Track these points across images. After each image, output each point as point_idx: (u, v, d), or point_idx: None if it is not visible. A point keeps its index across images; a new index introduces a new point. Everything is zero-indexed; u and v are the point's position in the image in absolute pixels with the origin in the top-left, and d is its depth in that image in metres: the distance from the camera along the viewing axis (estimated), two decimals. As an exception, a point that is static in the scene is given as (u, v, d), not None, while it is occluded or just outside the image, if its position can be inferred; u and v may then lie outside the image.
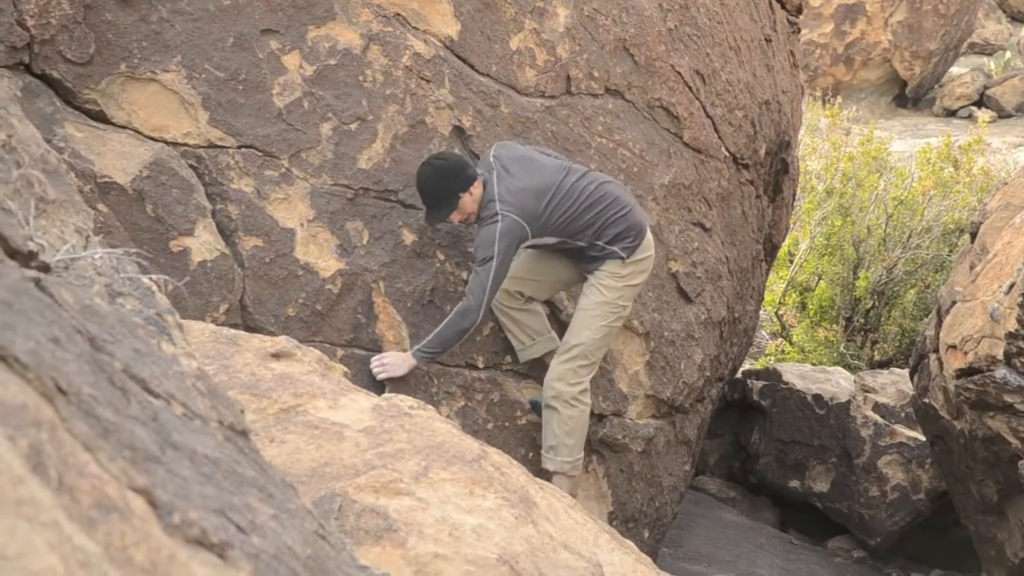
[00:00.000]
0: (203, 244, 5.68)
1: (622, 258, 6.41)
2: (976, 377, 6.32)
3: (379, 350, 6.11)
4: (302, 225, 5.94)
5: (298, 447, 3.36)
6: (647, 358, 7.33)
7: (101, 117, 5.59)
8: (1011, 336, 5.77)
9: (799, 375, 11.38)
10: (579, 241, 6.36)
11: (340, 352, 5.97)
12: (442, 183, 6.03)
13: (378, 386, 5.84)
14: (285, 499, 1.86)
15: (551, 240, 6.32)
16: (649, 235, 6.60)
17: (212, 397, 1.95)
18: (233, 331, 4.05)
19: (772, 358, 15.05)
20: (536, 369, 6.77)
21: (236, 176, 5.82)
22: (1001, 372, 6.04)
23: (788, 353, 15.07)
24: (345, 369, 4.53)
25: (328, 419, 3.56)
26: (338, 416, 3.60)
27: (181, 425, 1.60)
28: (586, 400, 6.55)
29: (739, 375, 11.39)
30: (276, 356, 3.93)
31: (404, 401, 3.92)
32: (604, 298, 6.45)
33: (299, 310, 5.89)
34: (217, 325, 4.34)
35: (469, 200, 6.08)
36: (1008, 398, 6.06)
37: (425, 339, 6.08)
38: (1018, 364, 5.85)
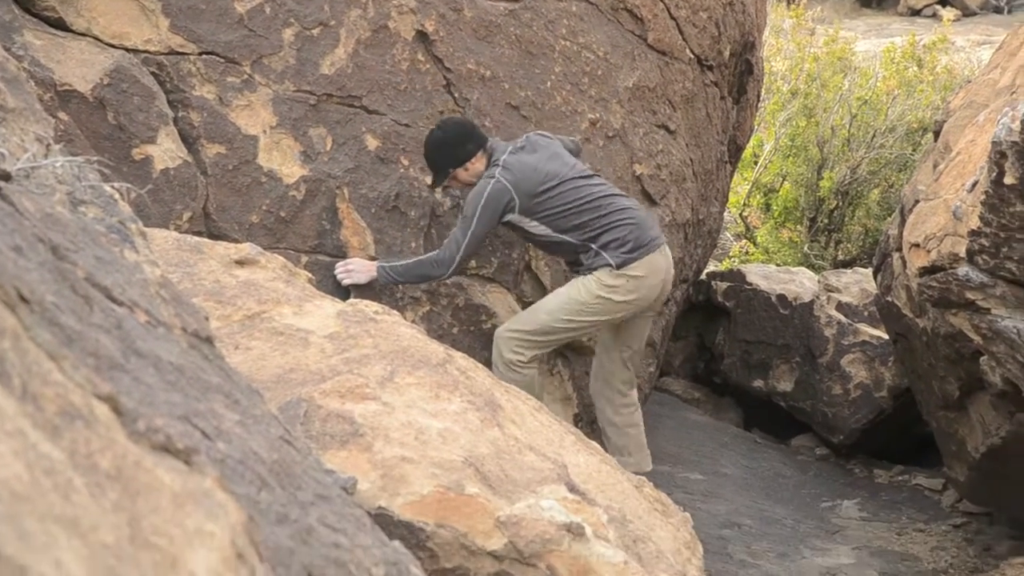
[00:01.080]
0: (165, 152, 5.65)
1: (611, 265, 6.31)
2: (939, 275, 6.35)
3: (344, 256, 6.11)
4: (265, 132, 5.91)
5: (263, 353, 3.37)
6: (612, 261, 7.34)
7: (60, 24, 5.52)
8: (974, 234, 5.79)
9: (763, 276, 11.43)
10: (570, 237, 6.30)
11: (304, 258, 5.97)
12: (436, 154, 6.17)
13: (343, 292, 5.85)
14: (251, 405, 1.87)
15: (541, 230, 6.27)
16: (654, 258, 6.46)
17: (176, 304, 1.96)
18: (196, 239, 4.04)
19: (736, 259, 15.12)
20: (501, 274, 6.78)
21: (198, 83, 5.78)
22: (963, 269, 6.07)
23: (752, 254, 15.14)
24: (310, 275, 4.54)
25: (293, 325, 3.57)
26: (303, 322, 3.61)
27: (145, 333, 1.61)
28: (524, 372, 6.38)
29: (704, 277, 11.43)
30: (240, 263, 3.93)
31: (369, 307, 3.93)
32: (579, 296, 6.38)
33: (263, 217, 5.87)
34: (180, 233, 4.33)
35: (464, 174, 6.20)
36: (970, 295, 6.09)
37: (394, 261, 6.09)
38: (980, 261, 5.88)
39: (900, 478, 9.90)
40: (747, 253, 15.33)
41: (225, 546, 1.15)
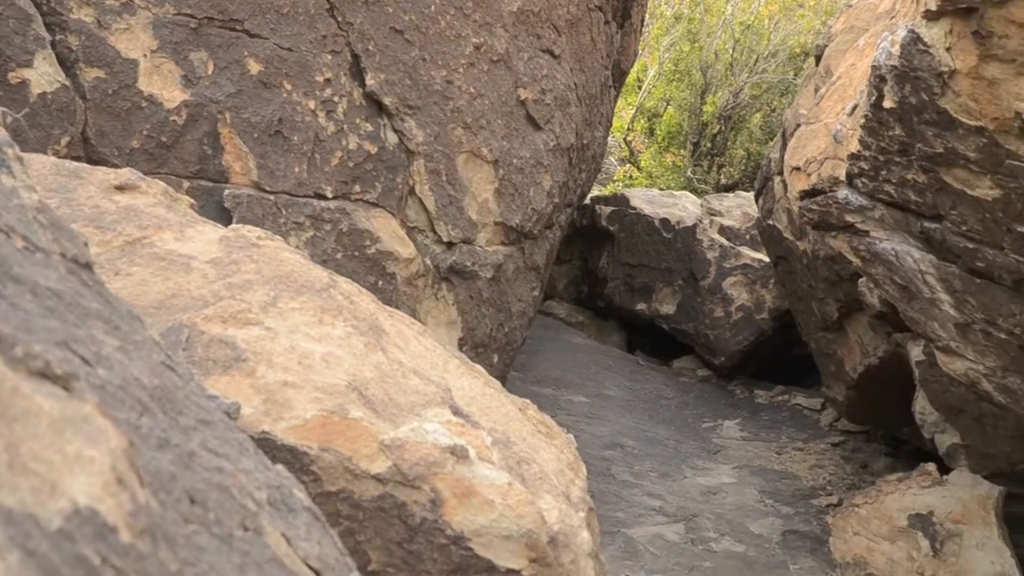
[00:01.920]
0: (42, 76, 5.55)
1: None
2: (819, 198, 6.44)
3: (226, 182, 6.06)
4: (145, 56, 5.83)
5: (144, 279, 3.34)
6: (496, 185, 7.36)
7: (-70, -57, 5.40)
8: (853, 157, 5.88)
9: (647, 200, 11.52)
10: None
11: (186, 184, 5.91)
12: None
13: (225, 217, 5.81)
14: (131, 331, 1.86)
15: None
16: None
17: (54, 230, 1.94)
18: (75, 164, 3.99)
19: (620, 184, 15.22)
20: (386, 199, 6.77)
21: (75, 5, 5.67)
22: (843, 192, 6.16)
23: (636, 179, 15.24)
24: (191, 201, 4.49)
25: (175, 251, 3.54)
26: (185, 248, 3.58)
27: (22, 258, 1.59)
28: None
29: (587, 201, 11.50)
30: (120, 188, 3.88)
31: (252, 232, 3.91)
32: None
33: (143, 142, 5.80)
34: (59, 158, 4.27)
35: None
36: (849, 218, 6.19)
37: None
38: (859, 184, 5.97)
39: (780, 398, 10.08)
40: (631, 177, 15.43)
41: (105, 471, 1.15)
